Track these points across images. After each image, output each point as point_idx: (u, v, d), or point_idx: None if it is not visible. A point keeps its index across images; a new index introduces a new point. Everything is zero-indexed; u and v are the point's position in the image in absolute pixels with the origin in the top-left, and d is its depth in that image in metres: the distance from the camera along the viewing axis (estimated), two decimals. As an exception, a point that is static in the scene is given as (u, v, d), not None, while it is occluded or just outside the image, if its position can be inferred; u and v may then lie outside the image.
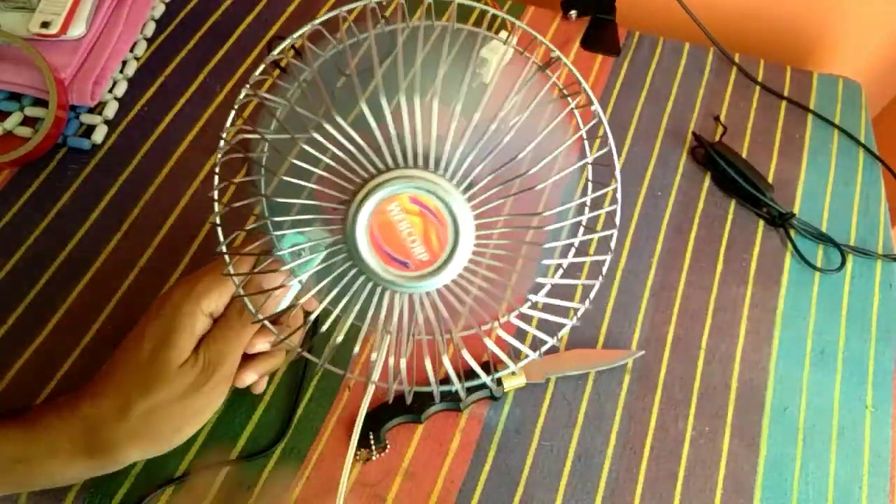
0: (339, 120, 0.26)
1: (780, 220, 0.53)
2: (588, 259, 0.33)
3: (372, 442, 0.41)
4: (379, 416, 0.42)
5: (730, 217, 0.53)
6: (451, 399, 0.43)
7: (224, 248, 0.34)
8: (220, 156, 0.33)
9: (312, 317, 0.31)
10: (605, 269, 0.35)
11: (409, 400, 0.33)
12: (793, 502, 0.42)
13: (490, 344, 0.31)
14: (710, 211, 0.54)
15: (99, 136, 0.53)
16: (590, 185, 0.35)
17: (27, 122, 0.53)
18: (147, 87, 0.56)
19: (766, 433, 0.44)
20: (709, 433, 0.44)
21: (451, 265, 0.28)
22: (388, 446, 0.42)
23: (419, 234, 0.28)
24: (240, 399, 0.43)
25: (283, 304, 0.37)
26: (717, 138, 0.57)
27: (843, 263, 0.51)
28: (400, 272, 0.29)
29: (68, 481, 0.38)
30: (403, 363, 0.30)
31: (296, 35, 0.32)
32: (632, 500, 0.41)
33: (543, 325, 0.33)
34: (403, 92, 0.26)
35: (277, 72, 0.34)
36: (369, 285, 0.30)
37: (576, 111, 0.33)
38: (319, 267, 0.31)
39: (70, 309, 0.45)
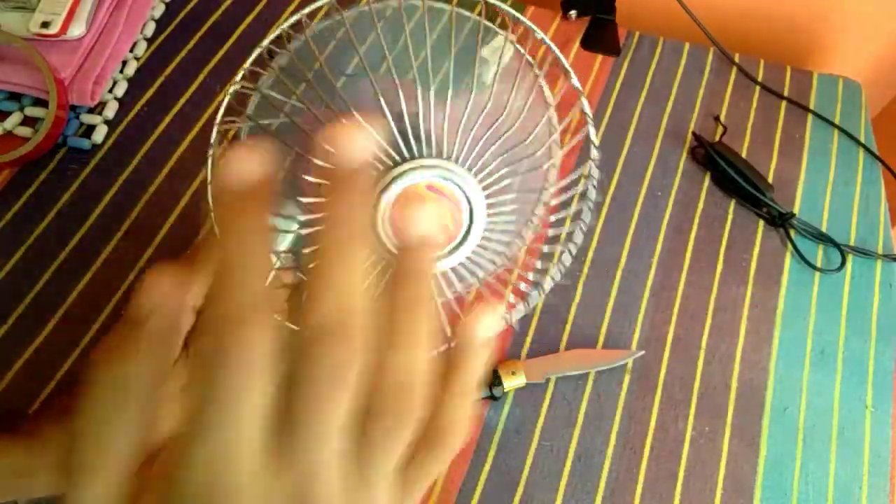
0: (358, 116, 0.27)
1: (780, 220, 0.53)
2: (571, 209, 0.34)
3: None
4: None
5: (730, 217, 0.53)
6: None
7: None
8: (213, 151, 0.33)
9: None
10: (587, 220, 0.35)
11: None
12: (793, 502, 0.42)
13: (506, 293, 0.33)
14: (710, 211, 0.54)
15: (99, 136, 0.53)
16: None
17: (27, 122, 0.53)
18: (147, 87, 0.56)
19: (766, 433, 0.44)
20: (709, 433, 0.44)
21: (466, 243, 0.30)
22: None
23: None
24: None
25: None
26: (717, 138, 0.57)
27: (843, 263, 0.51)
28: None
29: None
30: None
31: (285, 24, 0.32)
32: (632, 500, 0.41)
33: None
34: (419, 85, 0.27)
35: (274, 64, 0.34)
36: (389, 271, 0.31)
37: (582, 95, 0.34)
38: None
39: (70, 309, 0.45)
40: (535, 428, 0.43)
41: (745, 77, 0.62)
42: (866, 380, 0.47)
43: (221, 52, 0.59)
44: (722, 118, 0.59)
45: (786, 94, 0.61)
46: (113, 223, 0.49)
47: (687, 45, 0.63)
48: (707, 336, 0.48)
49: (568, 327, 0.47)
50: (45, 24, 0.52)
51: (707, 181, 0.55)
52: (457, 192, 0.29)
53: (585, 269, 0.49)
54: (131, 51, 0.58)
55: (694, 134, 0.57)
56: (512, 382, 0.44)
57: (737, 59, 0.62)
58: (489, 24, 0.33)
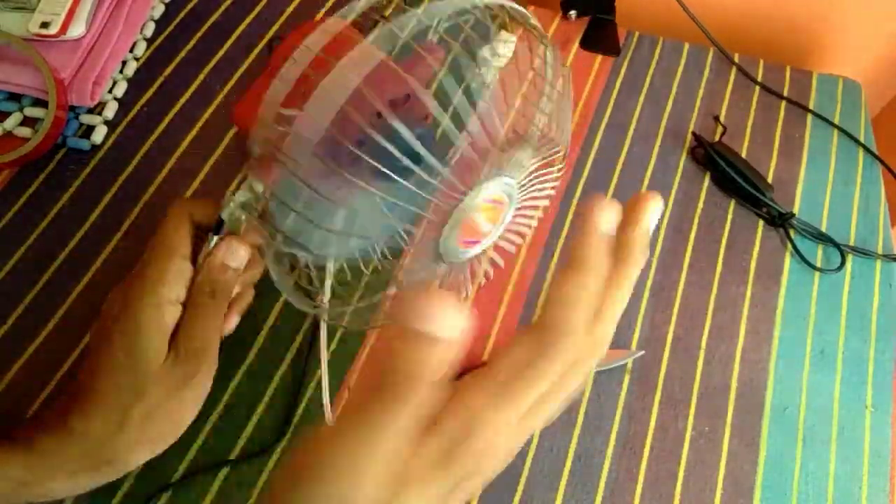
0: (434, 162, 0.28)
1: (779, 220, 0.53)
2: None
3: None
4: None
5: (730, 217, 0.53)
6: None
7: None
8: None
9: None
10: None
11: None
12: (793, 502, 0.42)
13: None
14: (709, 211, 0.54)
15: (99, 136, 0.53)
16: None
17: (27, 122, 0.53)
18: (147, 87, 0.56)
19: (766, 433, 0.44)
20: (709, 433, 0.44)
21: (502, 227, 0.36)
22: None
23: (489, 219, 0.34)
24: (240, 399, 0.43)
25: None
26: (716, 138, 0.57)
27: (843, 263, 0.51)
28: (472, 249, 0.35)
29: (74, 493, 0.36)
30: None
31: None
32: (632, 500, 0.41)
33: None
34: (467, 113, 0.29)
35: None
36: (443, 266, 0.36)
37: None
38: None
39: (70, 309, 0.45)
40: (534, 428, 0.43)
41: (745, 77, 0.62)
42: (866, 380, 0.47)
43: (221, 52, 0.59)
44: (722, 118, 0.59)
45: (785, 94, 0.61)
46: (113, 223, 0.49)
47: (687, 46, 0.63)
48: (707, 336, 0.48)
49: (568, 327, 0.47)
50: (44, 25, 0.53)
51: (707, 181, 0.55)
52: (505, 198, 0.33)
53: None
54: (131, 51, 0.58)
55: (694, 134, 0.57)
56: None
57: (736, 59, 0.62)
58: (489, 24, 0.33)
